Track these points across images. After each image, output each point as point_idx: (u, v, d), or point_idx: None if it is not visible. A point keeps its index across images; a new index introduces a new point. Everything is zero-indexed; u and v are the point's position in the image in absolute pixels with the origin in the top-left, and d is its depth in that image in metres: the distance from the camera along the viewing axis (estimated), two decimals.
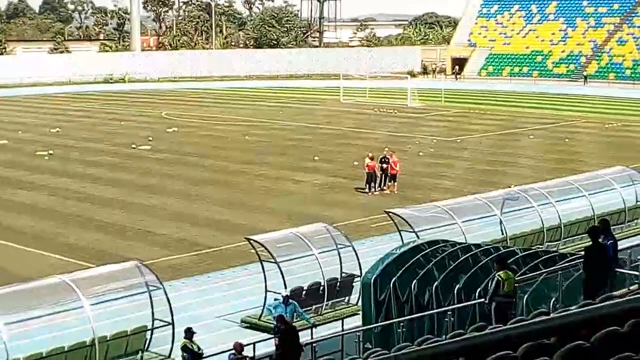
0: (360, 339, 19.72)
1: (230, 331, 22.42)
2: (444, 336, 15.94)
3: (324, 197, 40.06)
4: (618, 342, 7.29)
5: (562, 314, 6.74)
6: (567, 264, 18.34)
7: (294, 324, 21.19)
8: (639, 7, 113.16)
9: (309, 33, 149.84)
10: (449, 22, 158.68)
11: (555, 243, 28.62)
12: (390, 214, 27.61)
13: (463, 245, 21.70)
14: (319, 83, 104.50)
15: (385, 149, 43.19)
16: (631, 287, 16.39)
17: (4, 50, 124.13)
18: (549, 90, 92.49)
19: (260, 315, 22.92)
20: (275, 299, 22.08)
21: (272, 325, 20.97)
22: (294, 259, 24.19)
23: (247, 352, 19.22)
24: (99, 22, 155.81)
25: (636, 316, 7.11)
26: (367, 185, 40.63)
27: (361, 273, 23.05)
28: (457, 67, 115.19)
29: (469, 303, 18.30)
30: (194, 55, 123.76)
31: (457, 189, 40.41)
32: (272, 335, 19.89)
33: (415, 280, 19.77)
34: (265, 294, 23.23)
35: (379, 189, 40.66)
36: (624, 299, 10.59)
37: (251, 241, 24.45)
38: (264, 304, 22.91)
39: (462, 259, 20.04)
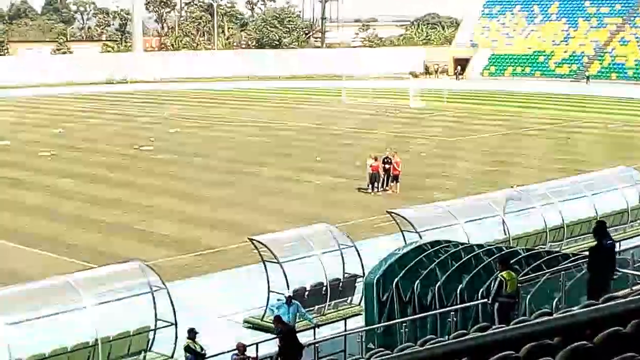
0: (363, 339, 19.74)
1: (233, 331, 22.42)
2: (446, 336, 15.95)
3: (327, 197, 40.07)
4: (621, 343, 7.29)
5: (564, 314, 6.74)
6: (570, 264, 18.33)
7: (296, 324, 21.23)
8: None
9: (311, 34, 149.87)
10: (451, 23, 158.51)
11: (558, 243, 28.60)
12: (393, 214, 27.60)
13: (466, 245, 21.70)
14: (321, 84, 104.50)
15: (388, 150, 43.21)
16: (634, 287, 16.37)
17: (6, 51, 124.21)
18: (551, 90, 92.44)
19: (263, 316, 22.93)
20: (278, 300, 22.10)
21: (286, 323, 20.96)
22: (297, 259, 24.18)
23: (250, 352, 19.24)
24: (101, 23, 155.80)
25: (639, 316, 7.11)
26: (370, 186, 40.67)
27: (364, 273, 23.05)
28: (458, 68, 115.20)
29: (471, 303, 18.30)
30: (196, 56, 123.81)
31: (460, 189, 40.40)
32: (275, 336, 19.89)
33: (417, 281, 19.79)
34: (268, 294, 23.24)
35: (382, 189, 40.69)
36: (627, 299, 10.59)
37: (254, 241, 24.46)
38: (267, 305, 22.92)
39: (464, 259, 20.04)
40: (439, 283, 19.42)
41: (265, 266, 23.62)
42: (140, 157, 51.44)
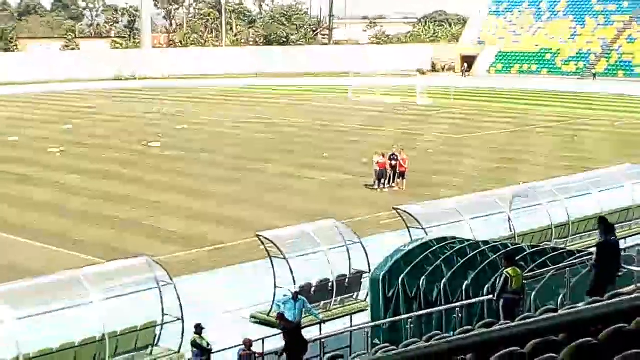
0: (369, 335, 19.79)
1: (240, 327, 22.49)
2: (452, 332, 16.00)
3: (333, 193, 40.12)
4: (626, 339, 7.33)
5: (570, 310, 6.77)
6: (575, 261, 18.36)
7: (302, 319, 21.29)
8: None
9: (318, 31, 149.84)
10: (458, 20, 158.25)
11: (564, 240, 28.63)
12: (399, 210, 27.65)
13: (471, 242, 21.73)
14: (329, 81, 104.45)
15: (394, 147, 43.23)
16: (639, 284, 16.40)
17: (15, 47, 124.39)
18: (558, 88, 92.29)
19: (270, 311, 22.99)
20: (285, 295, 22.16)
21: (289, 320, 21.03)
22: (303, 255, 24.24)
23: (256, 347, 19.32)
24: (110, 19, 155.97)
25: None
26: (377, 182, 40.72)
27: (370, 269, 23.11)
28: (465, 65, 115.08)
29: (477, 300, 18.34)
30: (204, 52, 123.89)
31: (466, 186, 40.39)
32: (281, 331, 19.97)
33: (423, 277, 19.83)
34: (275, 290, 23.31)
35: (388, 186, 40.74)
36: (633, 295, 10.62)
37: (261, 237, 24.52)
38: (273, 300, 22.98)
39: (470, 255, 20.08)
40: (444, 279, 19.46)
41: (271, 262, 23.69)
42: (148, 154, 51.54)
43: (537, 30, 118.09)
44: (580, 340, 7.48)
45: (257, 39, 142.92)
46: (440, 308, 19.00)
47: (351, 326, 22.15)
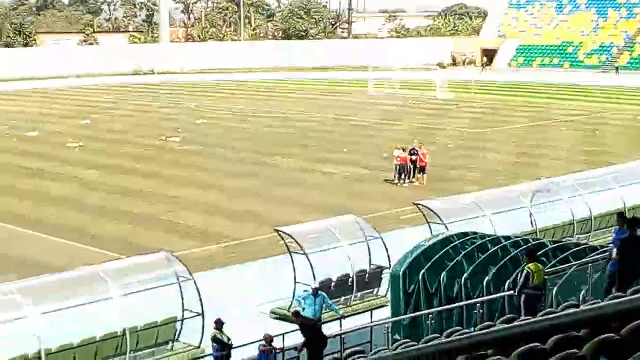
0: (389, 331, 19.75)
1: (260, 322, 22.50)
2: (472, 328, 15.93)
3: (353, 188, 40.07)
4: None
5: (591, 306, 6.72)
6: (597, 256, 18.24)
7: (322, 315, 21.27)
8: None
9: (337, 24, 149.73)
10: (478, 13, 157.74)
11: (586, 235, 28.47)
12: (419, 205, 27.57)
13: (492, 237, 21.65)
14: (348, 75, 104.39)
15: (414, 141, 43.13)
16: None
17: (34, 42, 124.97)
18: (580, 81, 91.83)
19: (290, 307, 22.97)
20: (305, 290, 22.14)
21: (305, 316, 21.02)
22: (323, 250, 24.21)
23: (277, 343, 19.32)
24: (128, 14, 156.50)
25: None
26: (397, 177, 40.64)
27: (390, 265, 23.06)
28: (485, 59, 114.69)
29: (497, 295, 18.26)
30: (223, 46, 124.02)
31: (487, 180, 40.25)
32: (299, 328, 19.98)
33: (444, 272, 19.77)
34: (295, 285, 23.29)
35: (408, 181, 40.64)
36: None
37: (280, 233, 24.51)
38: (293, 295, 22.97)
39: (491, 251, 20.00)
40: (465, 275, 19.40)
41: (291, 257, 23.68)
42: (166, 148, 51.65)
43: (559, 23, 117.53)
44: (602, 336, 7.42)
45: (276, 33, 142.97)
46: (461, 303, 18.94)
47: (371, 322, 22.11)
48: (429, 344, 5.89)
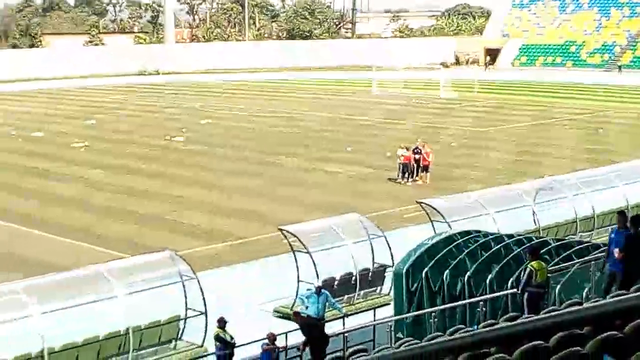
0: (392, 329, 19.75)
1: (263, 321, 22.51)
2: (475, 326, 15.93)
3: (357, 187, 40.08)
4: None
5: (594, 304, 6.72)
6: (600, 254, 18.22)
7: (326, 313, 21.27)
8: None
9: (341, 24, 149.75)
10: (481, 13, 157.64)
11: (589, 233, 28.43)
12: (423, 204, 27.56)
13: (495, 235, 21.63)
14: (352, 75, 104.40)
15: (418, 140, 43.12)
16: None
17: (39, 43, 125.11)
18: (583, 80, 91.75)
19: (293, 305, 22.97)
20: (308, 289, 22.13)
21: (304, 315, 21.04)
22: (327, 249, 24.21)
23: (280, 341, 19.33)
24: (133, 15, 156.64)
25: None
26: (401, 175, 40.65)
27: (393, 263, 23.06)
28: (488, 58, 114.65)
29: (501, 293, 18.25)
30: (227, 47, 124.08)
31: (490, 179, 40.25)
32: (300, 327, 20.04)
33: (447, 271, 19.76)
34: (298, 284, 23.29)
35: (412, 179, 40.65)
36: None
37: (284, 231, 24.52)
38: (297, 294, 22.97)
39: (494, 249, 19.99)
40: (468, 273, 19.38)
41: (295, 256, 23.68)
42: (171, 148, 51.70)
43: (562, 23, 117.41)
44: (605, 334, 7.42)
45: (280, 34, 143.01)
46: (464, 302, 18.93)
47: (374, 320, 22.11)
48: (432, 342, 5.90)
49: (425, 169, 40.87)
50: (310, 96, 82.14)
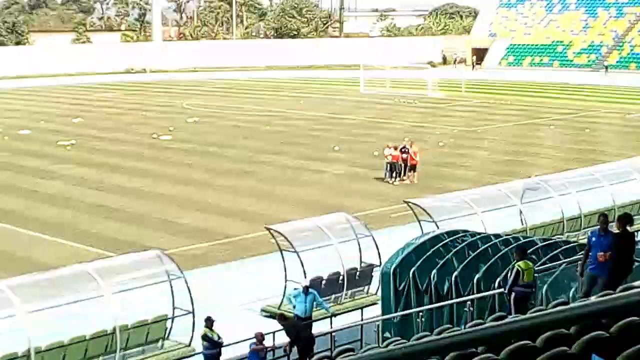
0: (380, 329, 19.77)
1: (250, 320, 22.50)
2: (463, 326, 15.96)
3: (344, 186, 40.09)
4: (638, 332, 7.29)
5: (581, 303, 6.74)
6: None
7: (313, 313, 21.29)
8: None
9: (329, 23, 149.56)
10: (469, 13, 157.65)
11: (576, 233, 28.51)
12: (410, 203, 27.59)
13: (483, 235, 21.68)
14: (339, 73, 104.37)
15: (405, 139, 43.16)
16: None
17: (26, 40, 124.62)
18: (570, 80, 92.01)
19: (280, 305, 22.98)
20: (295, 289, 22.14)
21: (291, 315, 21.05)
22: (314, 248, 24.21)
23: (267, 341, 19.32)
24: (120, 12, 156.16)
25: None
26: (389, 174, 40.67)
27: (381, 263, 23.07)
28: (474, 58, 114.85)
29: (488, 293, 18.29)
30: (215, 45, 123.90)
31: (477, 179, 40.33)
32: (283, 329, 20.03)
33: (434, 270, 19.78)
34: (285, 283, 23.29)
35: (399, 179, 40.68)
36: None
37: (271, 230, 24.51)
38: (284, 294, 22.97)
39: (481, 248, 20.03)
40: (455, 273, 19.42)
41: (282, 255, 23.67)
42: (158, 147, 51.59)
43: (549, 23, 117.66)
44: (593, 334, 7.44)
45: (268, 32, 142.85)
46: (452, 301, 18.96)
47: (362, 320, 22.13)
48: (420, 341, 5.89)
49: (413, 168, 40.91)
50: (297, 95, 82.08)
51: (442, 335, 6.16)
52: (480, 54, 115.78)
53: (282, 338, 19.84)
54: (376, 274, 23.45)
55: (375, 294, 23.52)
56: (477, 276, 19.03)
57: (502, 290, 17.42)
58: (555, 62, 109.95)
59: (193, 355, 20.44)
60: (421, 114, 67.26)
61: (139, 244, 28.71)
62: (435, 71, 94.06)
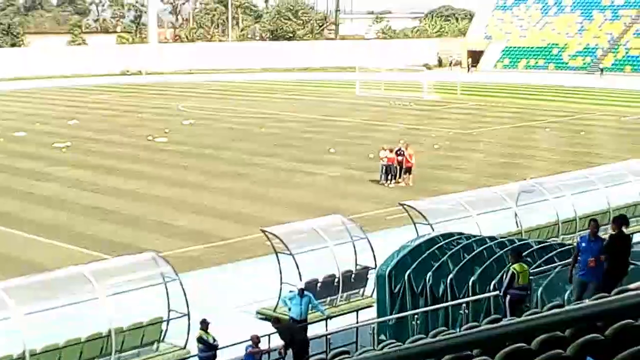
0: (375, 331, 19.77)
1: (246, 322, 22.48)
2: (458, 328, 15.96)
3: (340, 189, 40.09)
4: (633, 335, 7.30)
5: (576, 306, 6.74)
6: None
7: (308, 315, 21.27)
8: None
9: (324, 26, 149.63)
10: (464, 15, 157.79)
11: (571, 236, 28.50)
12: (405, 206, 27.59)
13: (478, 237, 21.68)
14: (335, 76, 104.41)
15: (401, 142, 43.17)
16: None
17: (21, 42, 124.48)
18: (565, 82, 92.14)
19: (276, 307, 22.95)
20: (291, 291, 22.12)
21: (287, 317, 21.05)
22: (309, 250, 24.19)
23: (263, 343, 19.31)
24: (116, 14, 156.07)
25: None
26: (385, 176, 40.68)
27: (376, 265, 23.06)
28: (469, 60, 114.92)
29: (483, 295, 18.30)
30: (211, 47, 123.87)
31: (473, 181, 40.35)
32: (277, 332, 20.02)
33: (430, 273, 19.78)
34: (281, 285, 23.26)
35: (394, 181, 40.69)
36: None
37: (266, 233, 24.49)
38: (279, 296, 22.95)
39: (476, 251, 20.03)
40: (451, 275, 19.42)
41: (277, 257, 23.65)
42: (154, 149, 51.56)
43: (544, 25, 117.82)
44: (587, 336, 7.45)
45: (263, 34, 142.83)
46: (447, 304, 18.96)
47: (357, 322, 22.12)
48: (415, 344, 5.90)
49: (408, 170, 40.92)
50: (293, 97, 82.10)
51: (437, 338, 6.16)
52: (475, 57, 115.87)
53: (278, 341, 19.83)
54: (371, 277, 23.44)
55: (371, 296, 23.49)
56: (472, 279, 19.04)
57: (497, 292, 17.42)
58: (550, 64, 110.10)
59: (188, 357, 20.40)
60: (417, 116, 67.29)
61: (135, 246, 28.68)
62: (430, 73, 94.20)
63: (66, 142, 53.29)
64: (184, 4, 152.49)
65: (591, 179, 32.18)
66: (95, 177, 42.65)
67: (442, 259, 19.95)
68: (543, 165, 45.11)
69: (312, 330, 21.01)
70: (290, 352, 19.42)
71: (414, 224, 26.55)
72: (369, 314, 22.32)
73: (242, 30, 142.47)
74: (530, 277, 16.98)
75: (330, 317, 22.37)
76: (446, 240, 20.96)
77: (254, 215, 34.19)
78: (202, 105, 74.87)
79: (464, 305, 18.30)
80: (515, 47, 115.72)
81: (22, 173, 43.83)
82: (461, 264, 19.60)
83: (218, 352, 19.43)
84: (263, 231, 24.79)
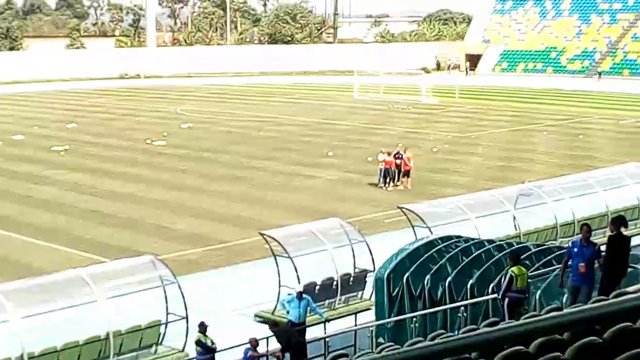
0: (373, 334, 19.77)
1: (244, 325, 22.47)
2: (456, 331, 15.96)
3: (338, 192, 40.10)
4: (631, 338, 7.31)
5: (575, 309, 6.76)
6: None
7: (307, 318, 21.28)
8: None
9: (323, 29, 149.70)
10: (463, 19, 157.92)
11: (569, 239, 28.47)
12: (404, 209, 27.60)
13: (476, 240, 21.68)
14: (333, 79, 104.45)
15: (399, 145, 43.19)
16: None
17: (20, 46, 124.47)
18: (563, 86, 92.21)
19: (274, 310, 22.95)
20: (289, 294, 22.13)
21: (285, 320, 21.05)
22: (308, 253, 24.18)
23: (261, 346, 19.30)
24: (115, 18, 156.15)
25: None
26: (383, 180, 40.70)
27: (374, 268, 23.06)
28: (467, 64, 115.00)
29: (481, 299, 18.30)
30: (209, 51, 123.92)
31: (471, 184, 40.35)
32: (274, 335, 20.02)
33: (428, 276, 19.79)
34: (279, 288, 23.26)
35: (393, 184, 40.71)
36: (638, 294, 10.59)
37: (265, 236, 24.49)
38: (278, 299, 22.95)
39: (475, 254, 20.04)
40: (449, 278, 19.43)
41: (276, 261, 23.65)
42: (152, 152, 51.56)
43: (543, 29, 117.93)
44: (585, 339, 7.45)
45: (262, 38, 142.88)
46: (445, 307, 18.97)
47: (355, 325, 22.12)
48: (413, 347, 5.91)
49: (407, 174, 40.94)
50: (291, 101, 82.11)
51: (435, 341, 6.17)
52: (474, 60, 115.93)
53: (276, 344, 19.83)
54: (370, 280, 23.45)
55: (369, 299, 23.50)
56: (470, 282, 19.05)
57: (495, 295, 17.43)
58: (548, 68, 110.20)
59: None
60: (415, 119, 67.31)
61: (133, 249, 28.69)
62: (429, 77, 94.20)
63: (64, 145, 53.28)
64: (182, 7, 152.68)
65: (589, 182, 32.20)
66: (94, 180, 42.64)
67: (441, 262, 19.96)
68: (541, 168, 45.13)
69: (311, 333, 21.01)
70: (287, 355, 19.42)
71: (413, 227, 26.56)
72: (368, 317, 22.32)
73: (240, 34, 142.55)
74: (529, 280, 16.99)
75: (329, 320, 22.37)
76: (444, 244, 20.97)
77: (252, 219, 34.19)
78: (200, 109, 74.88)
79: (462, 308, 18.30)
80: (513, 51, 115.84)
81: (21, 176, 43.82)
82: (459, 267, 19.61)
83: (216, 355, 19.42)
84: (261, 234, 24.80)
